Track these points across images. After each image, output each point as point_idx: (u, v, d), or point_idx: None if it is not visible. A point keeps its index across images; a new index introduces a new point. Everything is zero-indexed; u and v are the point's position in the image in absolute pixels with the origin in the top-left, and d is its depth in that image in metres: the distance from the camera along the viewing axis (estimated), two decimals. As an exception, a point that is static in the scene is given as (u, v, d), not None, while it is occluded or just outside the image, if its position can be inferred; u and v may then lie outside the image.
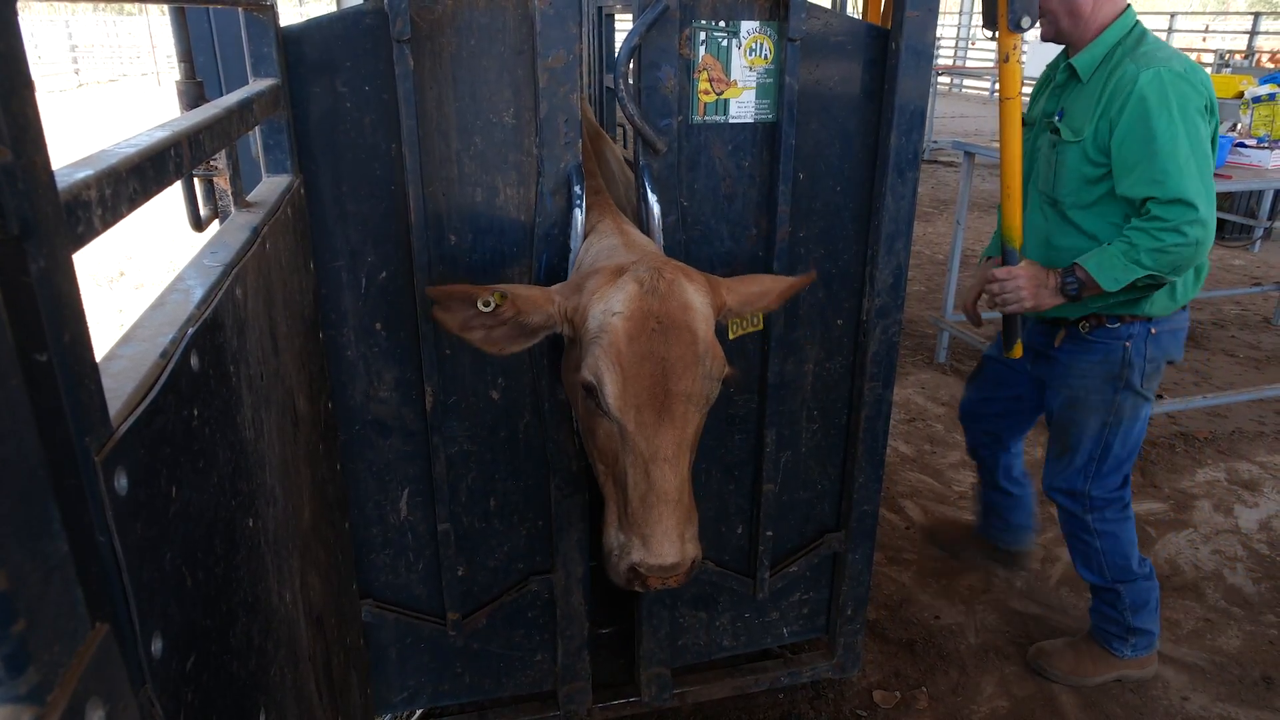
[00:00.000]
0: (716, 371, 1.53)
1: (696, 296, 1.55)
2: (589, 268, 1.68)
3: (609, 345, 1.48)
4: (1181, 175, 2.05)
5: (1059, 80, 2.39)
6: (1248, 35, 14.23)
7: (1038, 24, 2.21)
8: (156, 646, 0.68)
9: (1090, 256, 2.18)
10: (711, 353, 1.53)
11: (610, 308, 1.50)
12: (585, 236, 1.81)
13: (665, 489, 1.47)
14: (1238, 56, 13.48)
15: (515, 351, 1.63)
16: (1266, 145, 4.68)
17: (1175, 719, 2.55)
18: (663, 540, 1.46)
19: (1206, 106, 2.14)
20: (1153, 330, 2.35)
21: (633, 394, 1.46)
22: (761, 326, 1.70)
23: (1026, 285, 2.25)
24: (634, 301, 1.49)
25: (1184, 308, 2.40)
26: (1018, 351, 2.47)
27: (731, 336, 1.68)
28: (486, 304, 1.54)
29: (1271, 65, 13.54)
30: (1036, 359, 2.59)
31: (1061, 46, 2.40)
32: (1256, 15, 14.95)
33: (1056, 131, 2.32)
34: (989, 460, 2.96)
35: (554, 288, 1.62)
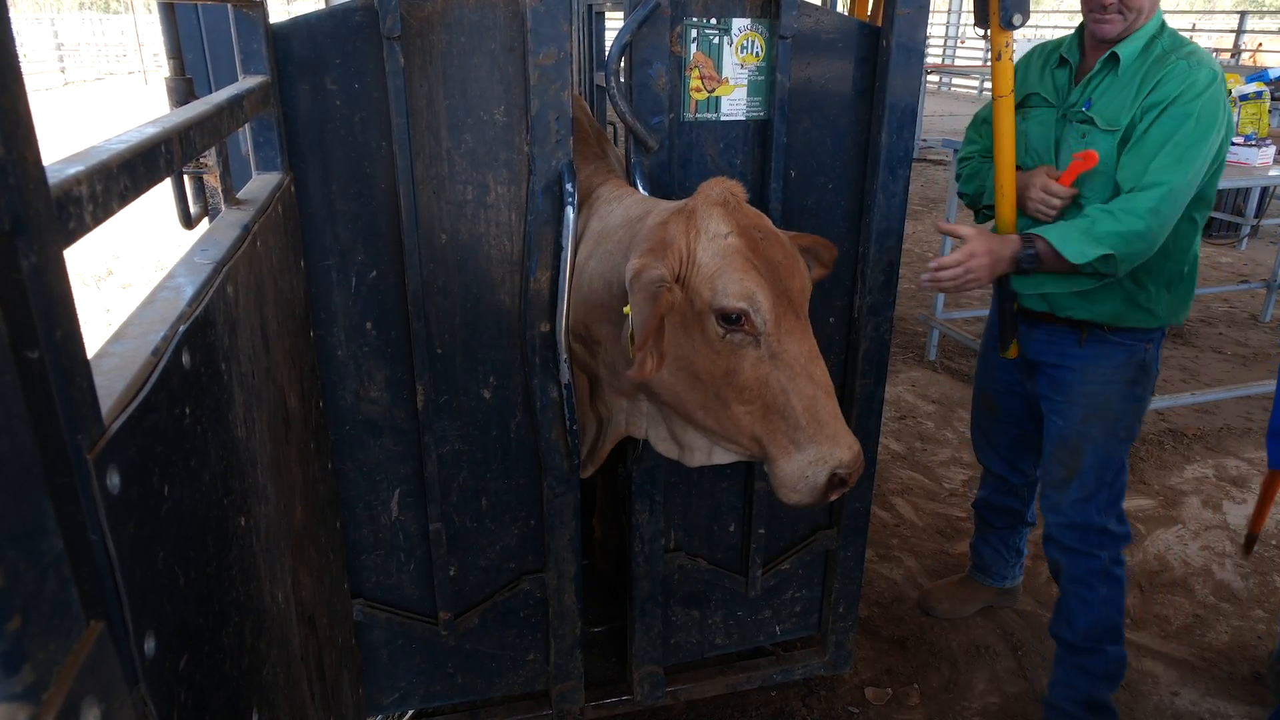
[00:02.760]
0: (809, 268, 1.61)
1: None
2: (634, 222, 1.65)
3: (743, 263, 1.47)
4: (1169, 169, 2.01)
5: (1096, 70, 2.20)
6: (1234, 34, 14.31)
7: (1029, 19, 2.18)
8: (149, 645, 0.67)
9: (1051, 229, 2.06)
10: (797, 251, 1.58)
11: (718, 232, 1.49)
12: (584, 203, 1.83)
13: (828, 383, 1.50)
14: (1225, 55, 13.56)
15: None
16: (1253, 143, 4.72)
17: (1165, 714, 2.57)
18: (846, 432, 1.50)
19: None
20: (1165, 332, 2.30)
21: (773, 301, 1.47)
22: None
23: (985, 265, 2.08)
24: (731, 219, 1.50)
25: None
26: (1013, 352, 2.44)
27: None
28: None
29: (1251, 63, 13.63)
30: (1039, 372, 2.40)
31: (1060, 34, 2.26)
32: (1243, 14, 15.02)
33: (1090, 121, 2.18)
34: (1015, 498, 2.79)
35: (635, 256, 1.51)
